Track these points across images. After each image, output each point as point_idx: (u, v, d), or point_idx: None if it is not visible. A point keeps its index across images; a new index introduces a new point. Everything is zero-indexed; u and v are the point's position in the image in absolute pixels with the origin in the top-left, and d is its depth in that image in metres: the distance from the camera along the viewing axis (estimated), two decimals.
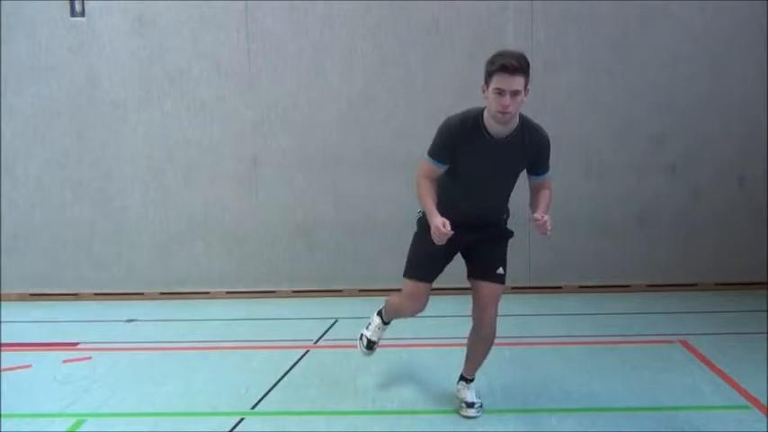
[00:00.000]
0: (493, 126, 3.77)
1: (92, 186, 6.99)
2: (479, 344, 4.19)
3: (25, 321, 6.31)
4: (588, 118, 6.80)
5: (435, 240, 3.75)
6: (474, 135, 3.81)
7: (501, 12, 6.70)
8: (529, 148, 3.87)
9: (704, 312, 6.21)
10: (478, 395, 4.24)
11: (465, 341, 4.24)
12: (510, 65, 3.62)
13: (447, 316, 6.05)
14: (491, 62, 3.69)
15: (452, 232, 3.71)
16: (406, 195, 6.83)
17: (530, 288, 6.90)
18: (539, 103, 6.79)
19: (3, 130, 6.92)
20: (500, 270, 4.08)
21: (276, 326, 6.14)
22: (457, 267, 4.07)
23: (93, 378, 4.86)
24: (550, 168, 4.04)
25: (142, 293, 7.02)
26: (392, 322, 4.46)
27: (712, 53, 6.69)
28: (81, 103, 6.91)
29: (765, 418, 3.99)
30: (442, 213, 3.81)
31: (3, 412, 4.24)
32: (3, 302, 6.82)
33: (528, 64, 3.70)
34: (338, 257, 6.99)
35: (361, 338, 4.52)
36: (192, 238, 7.02)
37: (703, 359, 4.95)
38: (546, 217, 3.76)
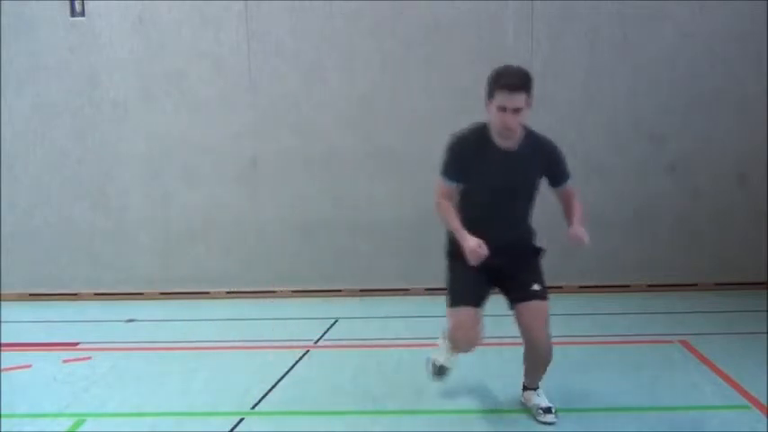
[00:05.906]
0: (499, 138, 3.76)
1: (92, 186, 7.00)
2: (537, 364, 4.09)
3: (25, 321, 6.31)
4: (588, 118, 6.79)
5: (472, 262, 3.63)
6: (483, 146, 3.78)
7: (501, 12, 6.70)
8: (540, 158, 3.84)
9: (704, 312, 6.20)
10: (549, 399, 4.12)
11: None
12: (512, 84, 3.61)
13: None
14: (494, 79, 3.66)
15: (488, 252, 3.60)
16: (406, 195, 6.87)
17: None
18: (539, 103, 6.78)
19: (3, 130, 6.92)
20: (535, 286, 3.93)
21: (276, 326, 6.14)
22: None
23: (93, 378, 4.85)
24: (570, 176, 3.96)
25: (142, 293, 7.02)
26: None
27: (712, 53, 6.69)
28: (81, 103, 6.91)
29: (765, 418, 3.98)
30: None
31: (3, 412, 4.23)
32: (3, 302, 6.82)
33: (530, 79, 3.68)
34: (338, 257, 6.99)
35: (430, 363, 4.19)
36: (192, 238, 7.02)
37: (703, 359, 4.94)
38: (581, 230, 3.71)
